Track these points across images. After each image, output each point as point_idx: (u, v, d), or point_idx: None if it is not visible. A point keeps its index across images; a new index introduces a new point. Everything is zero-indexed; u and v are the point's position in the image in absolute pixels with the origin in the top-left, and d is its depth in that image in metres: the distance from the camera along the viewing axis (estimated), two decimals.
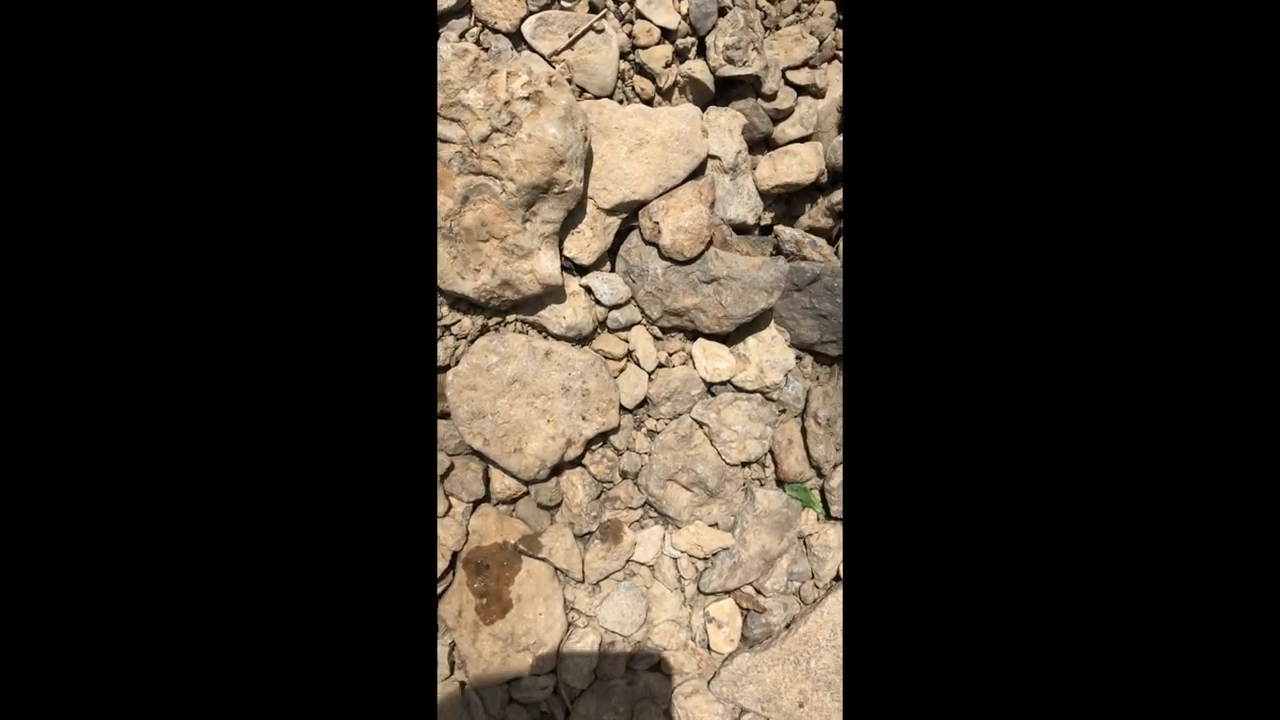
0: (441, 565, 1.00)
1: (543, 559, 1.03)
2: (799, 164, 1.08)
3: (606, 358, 1.04)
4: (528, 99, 0.88)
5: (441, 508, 1.01)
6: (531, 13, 0.95)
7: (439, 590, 1.01)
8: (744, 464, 1.08)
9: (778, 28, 1.08)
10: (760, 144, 1.12)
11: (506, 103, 0.88)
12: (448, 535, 1.00)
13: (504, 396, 0.99)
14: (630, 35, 0.98)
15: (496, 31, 0.95)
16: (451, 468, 1.01)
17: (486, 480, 1.03)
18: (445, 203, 0.90)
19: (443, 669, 1.03)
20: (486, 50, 0.96)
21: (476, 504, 1.04)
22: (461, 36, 0.94)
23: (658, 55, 0.99)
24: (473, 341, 0.99)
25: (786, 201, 1.19)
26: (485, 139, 0.89)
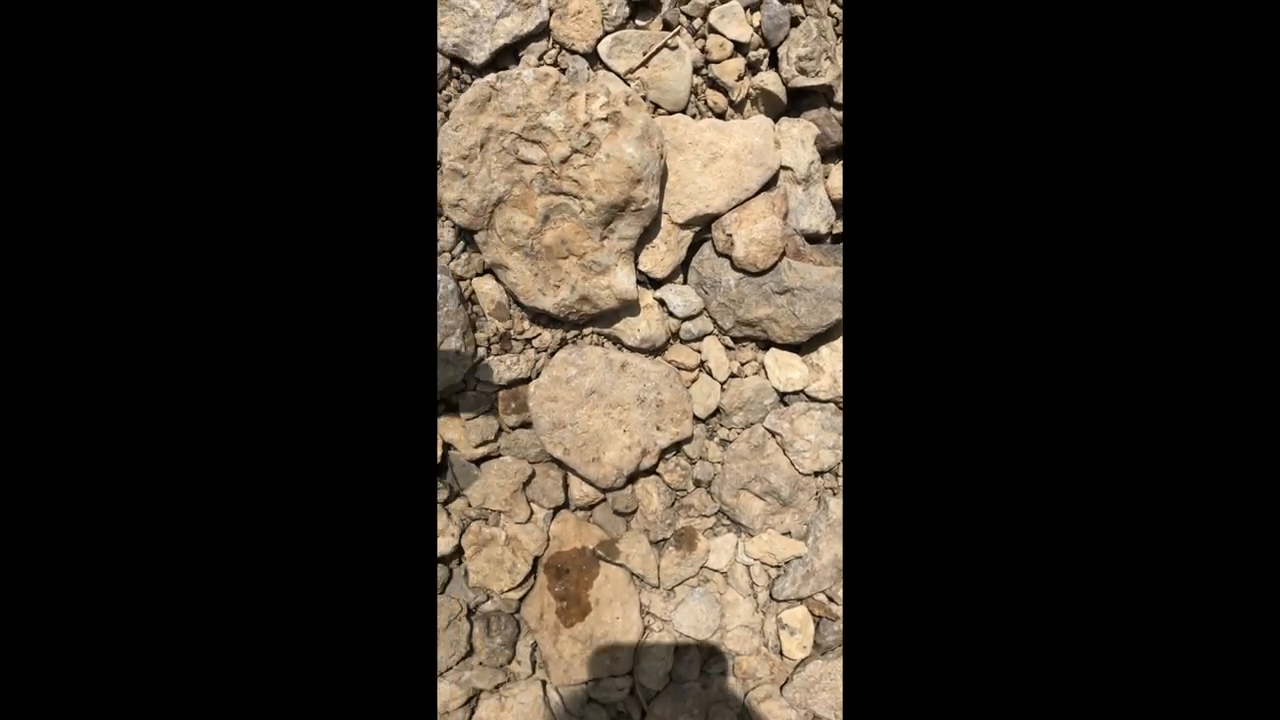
0: (524, 569, 1.04)
1: (620, 564, 1.06)
2: None
3: (679, 368, 1.06)
4: (606, 120, 0.91)
5: (524, 514, 1.05)
6: (607, 33, 0.97)
7: (522, 594, 1.06)
8: (817, 473, 1.08)
9: None
10: (833, 153, 1.11)
11: (586, 124, 0.90)
12: (530, 540, 1.04)
13: (583, 407, 1.02)
14: (703, 50, 0.99)
15: (574, 53, 0.98)
16: (533, 475, 1.05)
17: (565, 487, 1.07)
18: (527, 222, 0.94)
19: (525, 668, 1.07)
20: (564, 71, 0.98)
21: (556, 510, 1.07)
22: (540, 59, 0.97)
23: (730, 69, 1.00)
24: (553, 355, 1.03)
25: None
26: (565, 160, 0.92)
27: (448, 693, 1.03)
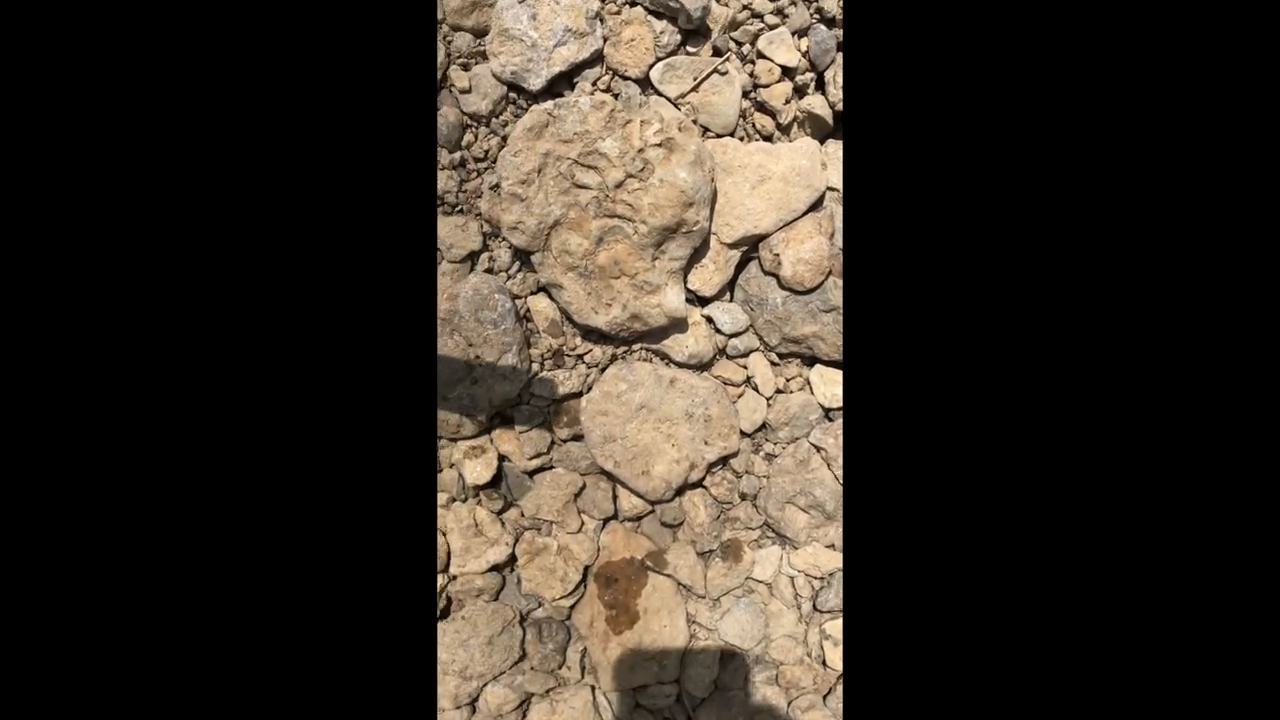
0: (575, 578, 1.08)
1: (667, 574, 1.09)
2: None
3: (726, 384, 1.09)
4: (660, 145, 0.94)
5: (575, 524, 1.08)
6: (659, 59, 1.00)
7: (572, 602, 1.09)
8: None
9: None
10: None
11: (640, 150, 0.94)
12: (581, 550, 1.08)
13: (632, 421, 1.05)
14: (752, 75, 1.02)
15: (626, 79, 1.01)
16: (584, 487, 1.08)
17: (615, 499, 1.10)
18: (582, 244, 0.97)
19: (575, 674, 1.11)
20: (616, 97, 1.01)
21: (606, 521, 1.11)
22: (594, 85, 1.01)
23: (778, 93, 1.02)
24: (604, 370, 1.06)
25: None
26: (620, 184, 0.95)
27: (501, 696, 1.07)
